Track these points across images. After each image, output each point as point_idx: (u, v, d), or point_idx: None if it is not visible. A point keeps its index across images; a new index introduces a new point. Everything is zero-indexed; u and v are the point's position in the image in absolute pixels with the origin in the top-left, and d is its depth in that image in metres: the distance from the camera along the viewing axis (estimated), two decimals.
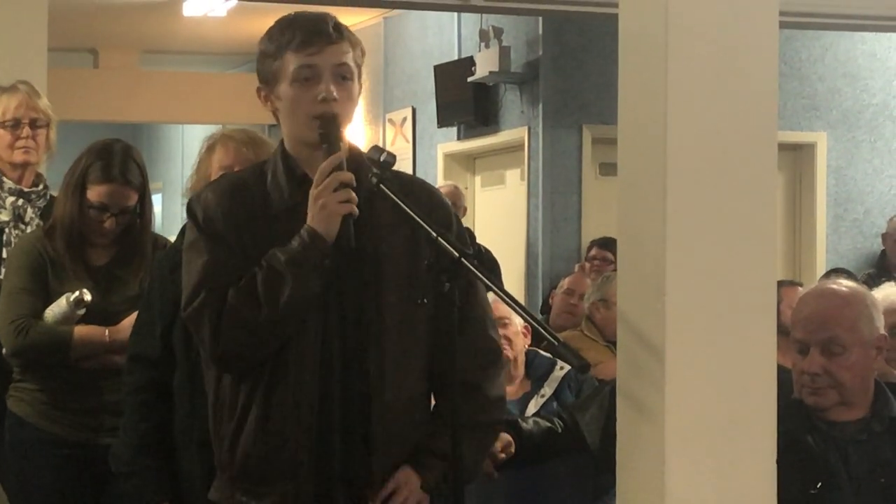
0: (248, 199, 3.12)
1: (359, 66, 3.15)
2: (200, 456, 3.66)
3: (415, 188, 3.21)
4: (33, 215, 4.77)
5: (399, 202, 2.99)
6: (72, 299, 4.24)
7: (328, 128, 3.05)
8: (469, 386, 3.11)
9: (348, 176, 3.00)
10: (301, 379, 3.05)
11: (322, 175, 3.00)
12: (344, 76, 3.09)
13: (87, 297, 4.24)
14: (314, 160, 3.07)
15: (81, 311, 4.26)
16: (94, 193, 4.32)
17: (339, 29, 3.11)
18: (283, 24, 3.12)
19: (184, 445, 3.73)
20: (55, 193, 4.55)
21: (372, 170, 3.04)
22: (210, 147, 3.92)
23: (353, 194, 3.00)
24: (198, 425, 3.68)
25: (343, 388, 3.06)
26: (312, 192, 3.01)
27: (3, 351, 4.42)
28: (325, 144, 3.05)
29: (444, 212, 3.19)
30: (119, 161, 4.34)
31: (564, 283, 7.93)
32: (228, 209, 3.11)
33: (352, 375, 3.07)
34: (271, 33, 3.14)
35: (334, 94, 3.06)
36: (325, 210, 2.99)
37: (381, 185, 3.00)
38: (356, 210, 3.00)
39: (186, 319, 3.14)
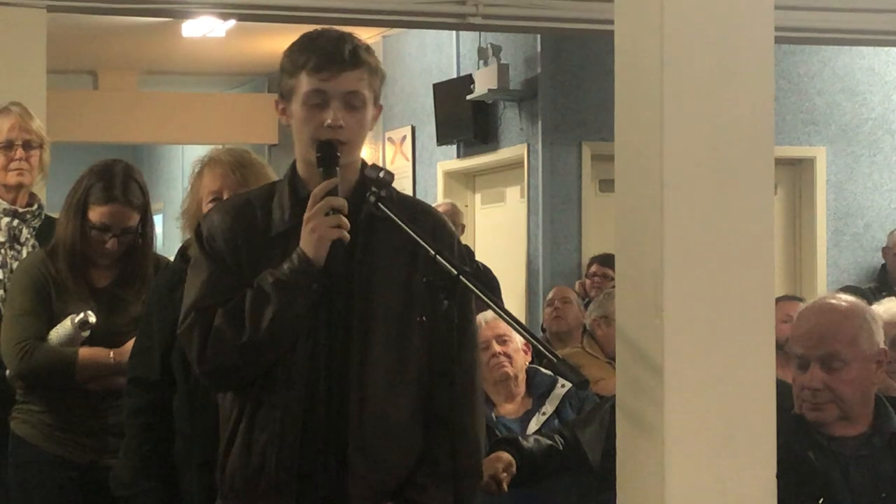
0: (250, 220, 3.14)
1: (375, 92, 3.14)
2: (200, 477, 3.67)
3: (418, 210, 3.21)
4: (28, 235, 4.78)
5: (398, 221, 2.99)
6: (76, 321, 4.24)
7: (325, 152, 3.06)
8: (459, 427, 3.08)
9: (340, 201, 3.01)
10: (287, 400, 3.05)
11: (315, 199, 3.01)
12: (354, 104, 3.09)
13: (92, 318, 4.24)
14: (319, 182, 3.07)
15: (86, 333, 4.26)
16: (96, 214, 4.32)
17: (357, 54, 3.09)
18: (304, 43, 3.13)
19: (184, 467, 3.74)
20: (54, 215, 4.55)
21: (370, 188, 3.05)
22: (199, 170, 3.93)
23: (345, 220, 3.00)
24: (197, 447, 3.68)
25: (327, 412, 3.06)
26: (305, 215, 3.02)
27: (7, 373, 4.42)
28: (321, 168, 3.05)
29: (446, 235, 3.19)
30: (120, 181, 4.34)
31: (546, 298, 8.05)
32: (230, 229, 3.12)
33: (335, 400, 3.06)
34: (291, 50, 3.14)
35: (340, 121, 3.06)
36: (314, 234, 3.00)
37: (380, 204, 3.01)
38: (347, 236, 3.00)
39: (179, 336, 3.16)
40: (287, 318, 3.00)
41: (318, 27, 3.21)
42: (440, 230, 3.18)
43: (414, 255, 3.07)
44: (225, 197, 3.82)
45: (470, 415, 3.16)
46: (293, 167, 3.19)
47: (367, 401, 3.05)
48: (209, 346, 3.05)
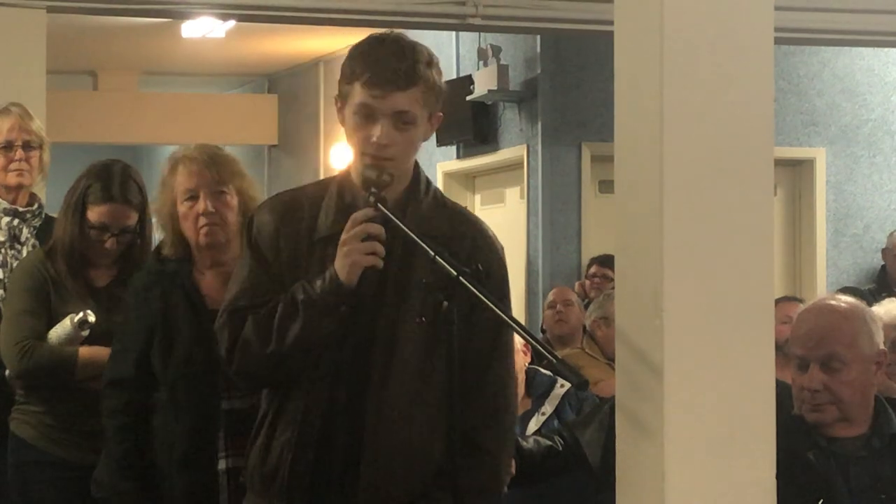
0: (297, 221, 3.12)
1: (430, 108, 3.09)
2: (181, 475, 3.67)
3: (461, 218, 3.20)
4: (29, 235, 4.78)
5: (398, 222, 2.97)
6: (76, 320, 4.24)
7: (375, 174, 3.02)
8: (479, 448, 3.10)
9: (378, 229, 2.97)
10: (308, 407, 3.06)
11: (354, 222, 2.99)
12: (405, 122, 3.05)
13: (91, 318, 4.24)
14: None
15: (85, 332, 4.26)
16: (95, 214, 4.32)
17: (413, 73, 3.04)
18: (365, 51, 3.07)
19: (164, 465, 3.74)
20: (54, 215, 4.55)
21: (371, 190, 3.02)
22: (172, 167, 3.92)
23: (380, 247, 2.97)
24: (180, 444, 3.68)
25: (346, 424, 3.06)
26: (342, 237, 3.00)
27: (7, 373, 4.41)
28: (366, 191, 3.02)
29: (486, 247, 3.16)
30: (119, 181, 4.35)
31: (547, 300, 8.01)
32: (275, 228, 3.11)
33: (354, 413, 3.06)
34: (352, 55, 3.09)
35: (385, 139, 3.03)
36: (348, 258, 2.98)
37: (379, 205, 2.99)
38: (380, 264, 2.97)
39: (214, 331, 3.16)
40: (313, 335, 3.01)
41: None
42: (481, 241, 3.16)
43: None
44: (201, 195, 3.83)
45: (494, 430, 3.15)
46: (347, 169, 3.16)
47: (383, 417, 3.05)
48: (236, 351, 3.07)
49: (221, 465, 3.74)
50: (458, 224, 3.17)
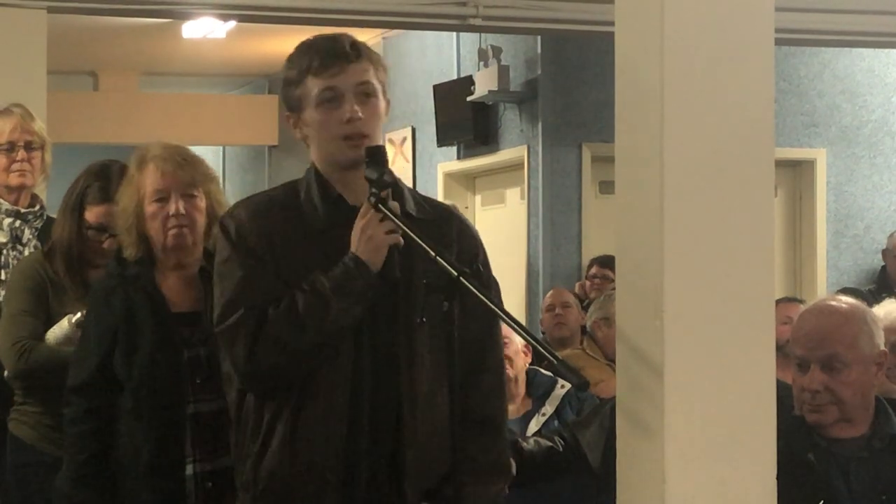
0: (281, 218, 3.13)
1: (382, 83, 3.18)
2: (147, 482, 3.64)
3: (446, 213, 3.25)
4: (31, 236, 4.78)
5: (398, 223, 2.98)
6: (73, 321, 4.23)
7: (374, 156, 3.05)
8: (492, 424, 3.16)
9: (394, 205, 3.01)
10: (331, 400, 3.05)
11: (368, 206, 3.02)
12: (367, 93, 3.12)
13: None
14: (348, 181, 3.11)
15: None
16: (93, 214, 4.32)
17: (357, 48, 3.14)
18: (302, 50, 3.15)
19: (128, 471, 3.70)
20: (55, 215, 4.55)
21: (372, 190, 3.03)
22: (141, 166, 3.86)
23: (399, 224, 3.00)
24: (145, 450, 3.66)
25: (373, 411, 3.07)
26: (358, 222, 3.02)
27: (5, 373, 4.41)
28: (372, 171, 3.04)
29: (471, 241, 3.23)
30: (117, 181, 4.33)
31: (544, 302, 8.00)
32: (262, 226, 3.12)
33: (382, 398, 3.07)
34: (291, 60, 3.16)
35: (359, 113, 3.09)
36: (372, 241, 3.01)
37: (379, 206, 3.00)
38: (402, 241, 3.01)
39: (219, 335, 3.13)
40: (345, 322, 3.02)
41: (318, 32, 3.23)
42: (466, 234, 3.23)
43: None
44: (172, 196, 3.78)
45: (500, 403, 3.24)
46: (315, 169, 3.18)
47: (416, 401, 3.08)
48: (260, 347, 3.04)
49: (188, 470, 3.71)
50: (437, 208, 3.26)
